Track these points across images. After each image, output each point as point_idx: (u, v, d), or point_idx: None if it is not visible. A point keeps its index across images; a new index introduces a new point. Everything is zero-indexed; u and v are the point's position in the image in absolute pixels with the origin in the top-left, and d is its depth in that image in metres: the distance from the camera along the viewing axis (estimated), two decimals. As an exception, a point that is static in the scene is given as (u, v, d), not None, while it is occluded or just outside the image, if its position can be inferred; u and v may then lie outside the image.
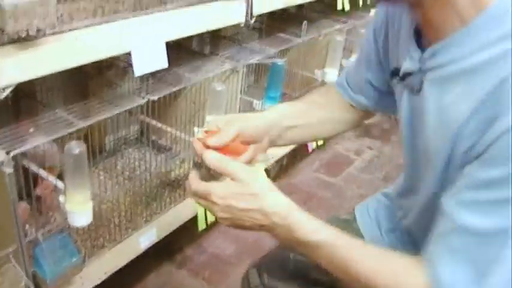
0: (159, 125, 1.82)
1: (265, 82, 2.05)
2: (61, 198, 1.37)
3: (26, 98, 1.58)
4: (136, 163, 1.97)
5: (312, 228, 0.85)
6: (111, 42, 1.32)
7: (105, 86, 1.83)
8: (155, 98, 1.49)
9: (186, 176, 1.92)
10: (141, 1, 1.48)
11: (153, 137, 2.03)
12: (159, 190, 1.87)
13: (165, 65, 1.45)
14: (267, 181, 0.89)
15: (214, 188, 0.87)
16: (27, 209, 1.49)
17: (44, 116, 1.37)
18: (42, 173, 1.42)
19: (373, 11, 2.67)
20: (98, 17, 1.33)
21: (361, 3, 2.53)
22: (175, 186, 1.88)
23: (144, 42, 1.38)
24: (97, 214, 1.70)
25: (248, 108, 1.99)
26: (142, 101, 1.47)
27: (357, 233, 1.17)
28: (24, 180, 1.33)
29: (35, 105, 1.64)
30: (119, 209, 1.76)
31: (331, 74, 2.31)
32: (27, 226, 1.49)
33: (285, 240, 0.88)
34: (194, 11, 1.55)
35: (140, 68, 1.38)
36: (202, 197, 0.89)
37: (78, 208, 1.34)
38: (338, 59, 2.31)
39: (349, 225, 1.19)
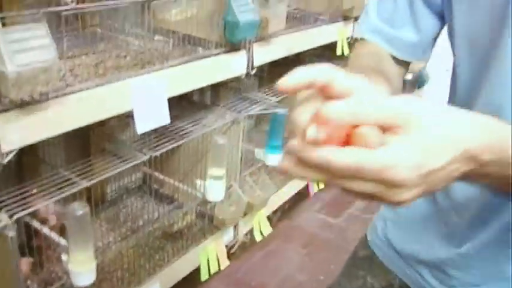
0: (161, 176, 1.83)
1: (267, 126, 2.06)
2: (63, 257, 1.36)
3: (28, 155, 1.59)
4: (139, 213, 1.96)
5: None
6: (114, 101, 1.33)
7: (106, 138, 1.83)
8: (157, 154, 1.49)
9: (189, 228, 1.93)
10: (142, 57, 1.50)
11: (155, 186, 2.02)
12: (161, 242, 1.86)
13: (167, 121, 1.46)
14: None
15: (397, 157, 0.49)
16: (30, 262, 1.49)
17: (46, 175, 1.37)
18: (46, 230, 1.41)
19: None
20: (100, 77, 1.35)
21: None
22: (177, 238, 1.88)
23: (146, 100, 1.39)
24: (99, 267, 1.70)
25: (251, 156, 1.99)
26: (145, 157, 1.48)
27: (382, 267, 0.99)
28: (26, 236, 1.33)
29: (37, 161, 1.65)
30: (122, 262, 1.74)
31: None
32: (28, 282, 1.48)
33: (500, 179, 0.58)
34: (196, 66, 1.56)
35: (142, 126, 1.39)
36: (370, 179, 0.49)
37: (81, 268, 1.34)
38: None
39: (373, 262, 1.01)
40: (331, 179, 0.50)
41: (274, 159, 1.96)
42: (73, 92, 1.23)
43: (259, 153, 1.97)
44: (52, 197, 1.31)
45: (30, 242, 1.44)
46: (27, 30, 1.07)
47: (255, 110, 1.84)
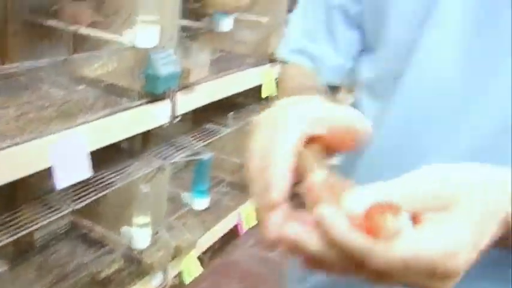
0: (89, 223, 1.86)
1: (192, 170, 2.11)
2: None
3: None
4: (67, 259, 1.97)
5: None
6: (30, 160, 1.36)
7: (34, 187, 1.84)
8: (78, 207, 1.52)
9: (118, 273, 1.95)
10: (65, 108, 1.53)
11: (84, 231, 2.04)
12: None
13: (88, 174, 1.49)
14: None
15: (456, 241, 0.42)
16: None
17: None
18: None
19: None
20: (19, 133, 1.37)
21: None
22: (106, 284, 1.89)
23: (65, 155, 1.42)
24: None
25: (177, 201, 2.04)
26: (66, 211, 1.51)
27: None
28: None
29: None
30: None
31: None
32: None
33: None
34: (118, 117, 1.60)
35: (62, 181, 1.42)
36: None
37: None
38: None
39: None
40: (361, 274, 0.43)
41: (200, 203, 2.01)
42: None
43: (186, 197, 2.02)
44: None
45: None
46: None
47: (181, 156, 1.90)
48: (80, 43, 1.55)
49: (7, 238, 1.47)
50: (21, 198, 1.81)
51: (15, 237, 1.47)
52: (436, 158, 0.54)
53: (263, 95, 2.42)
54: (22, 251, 1.90)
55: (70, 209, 1.51)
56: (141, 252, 1.92)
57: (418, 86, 0.67)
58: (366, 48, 0.79)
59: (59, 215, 1.52)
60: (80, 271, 1.85)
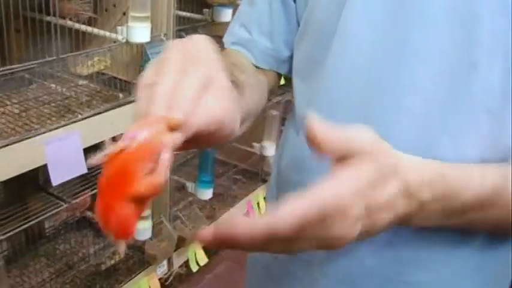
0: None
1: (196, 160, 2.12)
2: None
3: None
4: (76, 248, 2.01)
5: (478, 179, 0.57)
6: (26, 157, 1.38)
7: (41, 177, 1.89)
8: (76, 201, 1.55)
9: (122, 263, 1.99)
10: (65, 104, 1.55)
11: (93, 221, 2.08)
12: (95, 278, 1.91)
13: (84, 170, 1.51)
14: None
15: (338, 188, 0.47)
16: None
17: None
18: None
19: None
20: (17, 131, 1.40)
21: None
22: (111, 273, 1.93)
23: (61, 152, 1.44)
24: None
25: (181, 189, 2.05)
26: (64, 206, 1.54)
27: None
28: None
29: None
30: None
31: (269, 147, 2.39)
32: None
33: (435, 220, 0.58)
34: (116, 113, 1.61)
35: (57, 177, 1.44)
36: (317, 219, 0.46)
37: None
38: (275, 133, 2.39)
39: None
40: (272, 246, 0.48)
41: (205, 193, 2.02)
42: (-19, 153, 1.28)
43: (190, 187, 2.03)
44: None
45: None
46: None
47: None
48: (79, 39, 1.55)
49: (16, 228, 1.51)
50: (29, 190, 1.85)
51: (23, 227, 1.51)
52: None
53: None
54: (32, 240, 1.95)
55: (66, 205, 1.54)
56: (144, 243, 1.95)
57: (337, 68, 0.70)
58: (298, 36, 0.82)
59: (58, 209, 1.55)
60: (87, 261, 1.89)
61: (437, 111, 0.63)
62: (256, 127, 2.47)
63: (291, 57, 0.85)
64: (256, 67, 0.85)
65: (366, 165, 0.49)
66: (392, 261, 0.71)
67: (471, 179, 0.57)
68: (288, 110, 2.55)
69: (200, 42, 0.54)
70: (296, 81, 0.82)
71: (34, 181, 1.81)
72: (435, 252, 0.69)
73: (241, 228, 0.45)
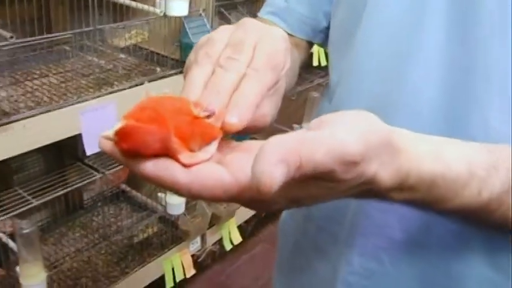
0: (129, 189, 1.91)
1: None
2: (17, 269, 1.45)
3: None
4: (111, 221, 2.05)
5: (475, 188, 0.50)
6: (62, 126, 1.40)
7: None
8: (110, 172, 1.57)
9: (155, 237, 2.01)
10: (104, 76, 1.57)
11: (129, 195, 2.10)
12: (128, 250, 1.94)
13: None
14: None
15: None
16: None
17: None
18: (6, 240, 1.51)
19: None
20: (54, 101, 1.42)
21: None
22: (144, 247, 1.95)
23: (95, 123, 1.46)
24: (66, 275, 1.80)
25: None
26: (98, 176, 1.56)
27: None
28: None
29: (10, 171, 1.76)
30: (90, 269, 1.83)
31: (308, 129, 2.36)
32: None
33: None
34: (154, 86, 1.62)
35: (91, 148, 1.46)
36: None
37: (31, 281, 1.42)
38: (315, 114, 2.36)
39: None
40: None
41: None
42: (17, 120, 1.31)
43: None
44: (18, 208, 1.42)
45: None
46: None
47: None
48: (117, 13, 1.56)
49: (52, 195, 1.54)
50: (68, 160, 1.89)
51: (56, 194, 1.55)
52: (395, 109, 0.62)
53: (314, 63, 2.37)
54: (71, 211, 1.99)
55: (99, 175, 1.56)
56: (178, 218, 1.96)
57: (367, 38, 0.68)
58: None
59: (92, 179, 1.57)
60: (121, 233, 1.92)
61: (465, 79, 0.61)
62: (298, 108, 2.44)
63: (328, 27, 0.83)
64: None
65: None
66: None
67: (468, 185, 0.50)
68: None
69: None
70: (330, 53, 0.81)
71: (73, 152, 1.85)
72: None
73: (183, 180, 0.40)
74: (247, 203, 0.42)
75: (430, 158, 0.47)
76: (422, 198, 0.48)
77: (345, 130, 0.40)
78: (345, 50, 0.74)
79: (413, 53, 0.64)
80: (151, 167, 0.40)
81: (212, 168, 0.41)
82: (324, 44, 0.87)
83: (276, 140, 0.37)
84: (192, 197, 0.41)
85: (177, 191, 0.40)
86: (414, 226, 0.68)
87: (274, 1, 0.85)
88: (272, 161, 0.36)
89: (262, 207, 0.45)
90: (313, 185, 0.41)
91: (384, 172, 0.44)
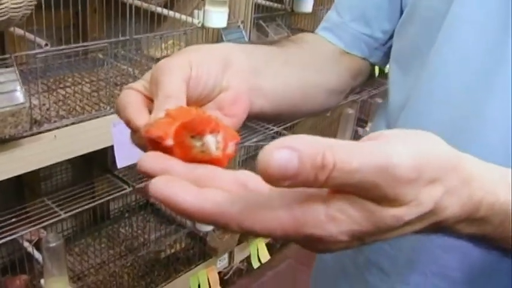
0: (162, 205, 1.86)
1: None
2: (42, 282, 1.41)
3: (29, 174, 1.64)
4: (138, 233, 2.00)
5: None
6: (93, 137, 1.36)
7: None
8: (141, 185, 1.53)
9: (182, 252, 1.96)
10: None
11: (157, 206, 2.06)
12: (154, 265, 1.90)
13: (150, 155, 1.48)
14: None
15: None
16: (25, 279, 1.56)
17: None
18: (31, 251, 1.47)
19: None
20: (85, 111, 1.38)
21: (377, 70, 2.50)
22: (170, 262, 1.91)
23: (127, 136, 1.42)
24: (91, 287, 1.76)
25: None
26: (127, 190, 1.52)
27: None
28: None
29: (38, 180, 1.73)
30: (115, 282, 1.79)
31: (341, 146, 2.29)
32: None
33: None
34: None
35: (122, 161, 1.42)
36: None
37: (56, 296, 1.38)
38: (349, 132, 2.30)
39: None
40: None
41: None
42: (48, 130, 1.27)
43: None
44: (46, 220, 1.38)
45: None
46: (-4, 75, 1.12)
47: (252, 140, 1.85)
48: (154, 22, 1.52)
49: (80, 207, 1.50)
50: (97, 171, 1.85)
51: (85, 207, 1.51)
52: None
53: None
54: (97, 221, 1.95)
55: (129, 189, 1.52)
56: (206, 234, 1.90)
57: (442, 58, 0.63)
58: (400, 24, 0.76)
59: (122, 192, 1.53)
60: (147, 247, 1.87)
61: None
62: (330, 125, 2.38)
63: (384, 45, 0.79)
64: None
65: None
66: None
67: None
68: (364, 110, 2.45)
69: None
70: (394, 72, 0.76)
71: (102, 163, 1.81)
72: None
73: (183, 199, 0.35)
74: (302, 241, 0.36)
75: (505, 188, 0.41)
76: (492, 232, 0.42)
77: (401, 144, 0.34)
78: (414, 69, 0.70)
79: (493, 83, 0.59)
80: (193, 198, 0.34)
81: (262, 203, 0.35)
82: (380, 62, 0.83)
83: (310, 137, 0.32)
84: (245, 233, 0.35)
85: (224, 226, 0.34)
86: (477, 268, 0.63)
87: (330, 17, 0.82)
88: (276, 145, 0.30)
89: (320, 246, 0.37)
90: (361, 208, 0.33)
91: (452, 200, 0.37)
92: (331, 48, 0.79)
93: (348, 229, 0.34)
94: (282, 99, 0.64)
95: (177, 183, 0.35)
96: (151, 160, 0.39)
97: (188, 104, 0.49)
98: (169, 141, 0.41)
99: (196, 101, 0.52)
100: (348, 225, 0.34)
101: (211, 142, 0.40)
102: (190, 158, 0.40)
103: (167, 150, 0.41)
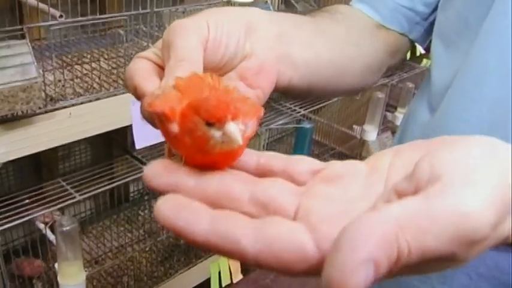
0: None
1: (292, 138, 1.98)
2: (56, 266, 1.36)
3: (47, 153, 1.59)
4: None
5: None
6: (110, 116, 1.29)
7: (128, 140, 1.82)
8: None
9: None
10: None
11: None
12: (173, 250, 1.84)
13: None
14: None
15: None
16: (39, 264, 1.52)
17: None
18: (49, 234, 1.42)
19: (425, 62, 2.54)
20: (104, 89, 1.32)
21: (408, 53, 2.40)
22: (190, 247, 1.84)
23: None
24: (107, 271, 1.70)
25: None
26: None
27: None
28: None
29: (56, 160, 1.68)
30: (133, 267, 1.73)
31: (370, 132, 2.21)
32: (34, 281, 1.51)
33: None
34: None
35: (141, 141, 1.35)
36: None
37: (69, 281, 1.32)
38: (378, 117, 2.21)
39: None
40: None
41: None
42: (63, 107, 1.20)
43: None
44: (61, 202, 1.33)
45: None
46: (7, 47, 1.05)
47: (278, 123, 1.77)
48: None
49: (97, 188, 1.45)
50: (116, 152, 1.79)
51: (102, 189, 1.45)
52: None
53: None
54: (116, 203, 1.90)
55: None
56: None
57: (495, 30, 0.56)
58: None
59: (140, 174, 1.46)
60: (167, 231, 1.81)
61: None
62: (359, 108, 2.29)
63: (426, 19, 0.71)
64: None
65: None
66: None
67: None
68: (393, 94, 2.35)
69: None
70: (437, 48, 0.68)
71: (122, 143, 1.75)
72: None
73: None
74: None
75: None
76: None
77: (471, 192, 0.27)
78: (462, 45, 0.62)
79: None
80: (207, 227, 0.29)
81: (288, 231, 0.29)
82: (420, 39, 0.74)
83: (374, 216, 0.26)
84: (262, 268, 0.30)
85: (240, 259, 0.30)
86: None
87: None
88: (356, 259, 0.25)
89: None
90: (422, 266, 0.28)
91: None
92: (367, 22, 0.70)
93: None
94: (313, 71, 0.56)
95: (187, 209, 0.30)
96: (157, 173, 0.35)
97: (205, 72, 0.41)
98: (174, 127, 0.34)
99: (215, 69, 0.45)
100: None
101: (235, 132, 0.32)
102: (204, 151, 0.33)
103: (175, 135, 0.34)
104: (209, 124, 0.32)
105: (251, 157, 0.37)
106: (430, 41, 0.73)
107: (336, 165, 0.35)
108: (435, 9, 0.70)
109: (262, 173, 0.37)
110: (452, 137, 0.32)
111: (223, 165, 0.35)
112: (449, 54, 0.66)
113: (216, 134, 0.32)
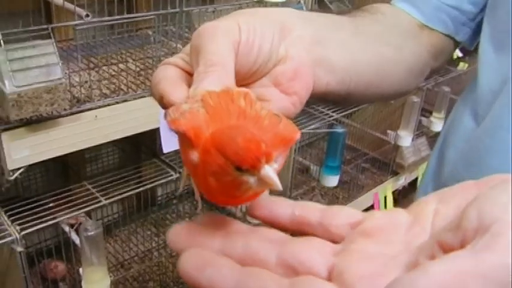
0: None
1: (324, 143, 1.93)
2: (81, 271, 1.33)
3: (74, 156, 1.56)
4: (187, 220, 1.91)
5: None
6: (137, 119, 1.26)
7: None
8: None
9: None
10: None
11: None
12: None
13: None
14: None
15: None
16: (64, 267, 1.50)
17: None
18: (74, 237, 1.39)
19: (462, 65, 2.46)
20: (132, 90, 1.28)
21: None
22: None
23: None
24: (133, 277, 1.67)
25: (304, 173, 1.87)
26: (174, 176, 1.41)
27: None
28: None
29: (83, 162, 1.65)
30: (159, 272, 1.70)
31: (405, 137, 2.14)
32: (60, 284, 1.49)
33: None
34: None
35: (168, 146, 1.32)
36: None
37: (95, 286, 1.29)
38: (413, 121, 2.14)
39: None
40: None
41: (330, 180, 1.82)
42: (89, 109, 1.17)
43: (315, 170, 1.84)
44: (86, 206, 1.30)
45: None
46: (32, 47, 1.02)
47: (310, 127, 1.71)
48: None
49: (125, 192, 1.41)
50: (144, 155, 1.76)
51: (130, 193, 1.42)
52: None
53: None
54: (143, 206, 1.86)
55: (176, 175, 1.41)
56: (258, 224, 1.79)
57: None
58: None
59: (168, 179, 1.43)
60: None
61: None
62: (393, 113, 2.22)
63: (473, 20, 0.66)
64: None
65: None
66: None
67: None
68: (428, 99, 2.27)
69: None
70: (486, 51, 0.63)
71: (150, 147, 1.72)
72: None
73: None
74: None
75: None
76: None
77: None
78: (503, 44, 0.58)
79: None
80: (233, 285, 0.29)
81: None
82: (468, 41, 0.69)
83: (417, 278, 0.23)
84: None
85: None
86: None
87: None
88: None
89: None
90: None
91: None
92: (409, 22, 0.65)
93: None
94: (353, 75, 0.51)
95: (212, 266, 0.30)
96: (180, 238, 0.34)
97: (237, 78, 0.38)
98: (195, 156, 0.30)
99: (247, 74, 0.40)
100: None
101: (273, 176, 0.29)
102: (233, 195, 0.31)
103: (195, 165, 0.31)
104: (239, 169, 0.28)
105: (286, 209, 0.36)
106: (477, 44, 0.68)
107: (375, 216, 0.32)
108: (483, 8, 0.65)
109: (297, 226, 0.35)
110: (504, 176, 0.28)
111: (246, 202, 0.33)
112: (499, 58, 0.61)
113: (251, 179, 0.29)
